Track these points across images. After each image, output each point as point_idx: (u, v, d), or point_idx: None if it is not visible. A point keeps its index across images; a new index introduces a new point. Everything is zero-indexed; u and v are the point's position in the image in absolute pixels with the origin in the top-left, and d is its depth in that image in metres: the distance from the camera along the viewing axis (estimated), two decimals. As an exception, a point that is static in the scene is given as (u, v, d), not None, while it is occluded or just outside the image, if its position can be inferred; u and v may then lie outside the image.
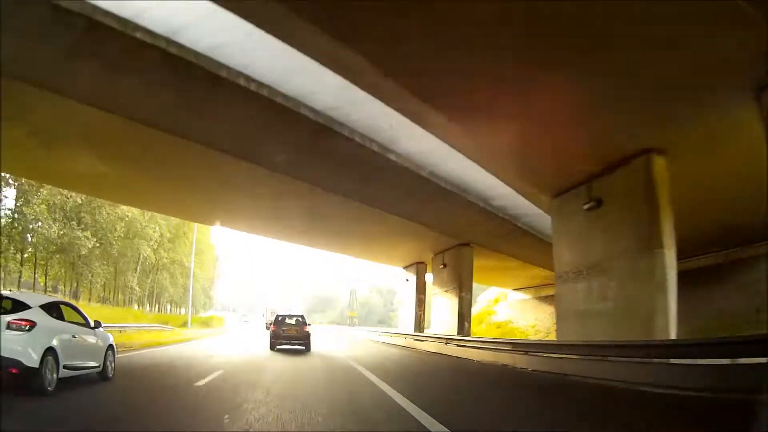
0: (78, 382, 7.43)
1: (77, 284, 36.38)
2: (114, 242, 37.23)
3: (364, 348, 23.35)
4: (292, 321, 18.81)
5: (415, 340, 24.51)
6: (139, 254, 39.56)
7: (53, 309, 7.08)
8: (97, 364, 7.85)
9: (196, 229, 51.18)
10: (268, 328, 24.67)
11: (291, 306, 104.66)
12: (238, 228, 27.69)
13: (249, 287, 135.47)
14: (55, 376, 6.51)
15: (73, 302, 10.21)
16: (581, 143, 11.93)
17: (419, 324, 30.58)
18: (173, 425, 4.97)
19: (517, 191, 18.08)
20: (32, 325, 6.25)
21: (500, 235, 23.33)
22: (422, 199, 17.91)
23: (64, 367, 6.76)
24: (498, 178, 16.80)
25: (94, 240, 35.74)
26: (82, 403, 6.26)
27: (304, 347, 18.16)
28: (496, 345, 15.43)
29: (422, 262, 31.22)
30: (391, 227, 22.74)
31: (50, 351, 6.40)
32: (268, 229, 26.86)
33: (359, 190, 17.29)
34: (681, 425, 5.62)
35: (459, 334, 23.41)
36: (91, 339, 7.82)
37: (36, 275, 33.69)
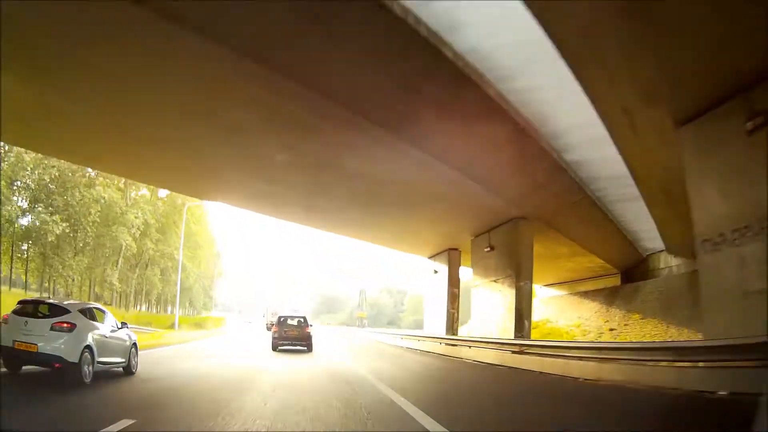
0: (108, 375, 8.53)
1: (50, 278, 31.02)
2: (88, 228, 31.82)
3: (393, 361, 17.64)
4: (294, 322, 18.84)
5: (451, 345, 18.86)
6: (121, 245, 34.04)
7: (88, 312, 8.21)
8: (123, 360, 9.00)
9: (188, 213, 46.00)
10: (269, 329, 25.08)
11: (297, 307, 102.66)
12: (239, 204, 22.11)
13: (251, 286, 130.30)
14: (91, 369, 7.56)
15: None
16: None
17: (452, 324, 24.85)
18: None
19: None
20: (72, 327, 7.37)
21: (566, 206, 17.58)
22: (488, 137, 12.22)
23: (98, 362, 7.83)
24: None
25: (65, 225, 30.37)
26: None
27: (306, 348, 18.21)
28: (619, 351, 9.78)
29: (455, 249, 25.51)
30: (424, 201, 17.16)
31: (87, 348, 7.51)
32: (275, 207, 21.26)
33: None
34: None
35: (517, 335, 17.67)
36: (119, 337, 8.93)
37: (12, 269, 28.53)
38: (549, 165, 14.42)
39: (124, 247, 34.61)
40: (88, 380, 7.44)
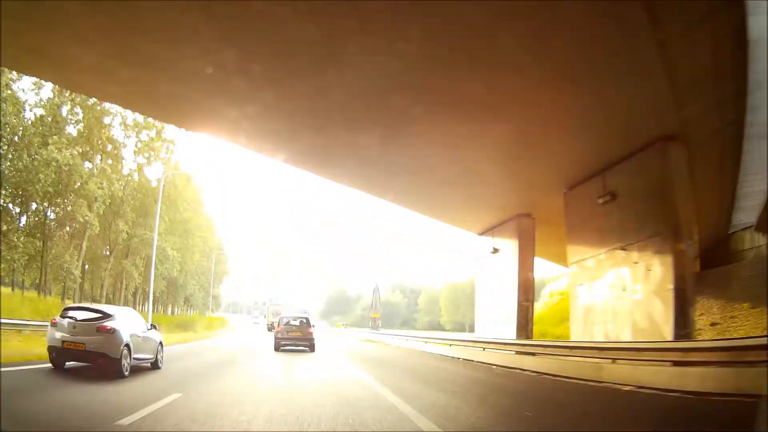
0: (140, 368, 9.71)
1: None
2: (36, 197, 24.71)
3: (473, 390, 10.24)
4: (297, 322, 18.70)
5: (525, 354, 11.46)
6: (83, 225, 26.78)
7: (126, 315, 9.54)
8: (152, 357, 10.19)
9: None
10: (270, 330, 25.67)
11: (305, 308, 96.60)
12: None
13: (258, 286, 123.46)
14: (129, 363, 8.78)
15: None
16: None
17: (527, 324, 17.38)
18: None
19: None
20: (114, 329, 8.54)
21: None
22: None
23: (133, 358, 9.04)
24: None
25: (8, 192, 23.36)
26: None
27: (308, 348, 18.07)
28: None
29: (528, 215, 18.07)
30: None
31: (126, 346, 8.71)
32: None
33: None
34: None
35: (679, 333, 10.21)
36: (149, 337, 10.12)
37: None
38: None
39: (88, 229, 27.34)
40: (126, 373, 8.62)
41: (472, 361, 14.68)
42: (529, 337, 17.44)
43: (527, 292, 17.67)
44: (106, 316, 8.70)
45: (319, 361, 14.27)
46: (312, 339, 18.12)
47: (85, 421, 4.99)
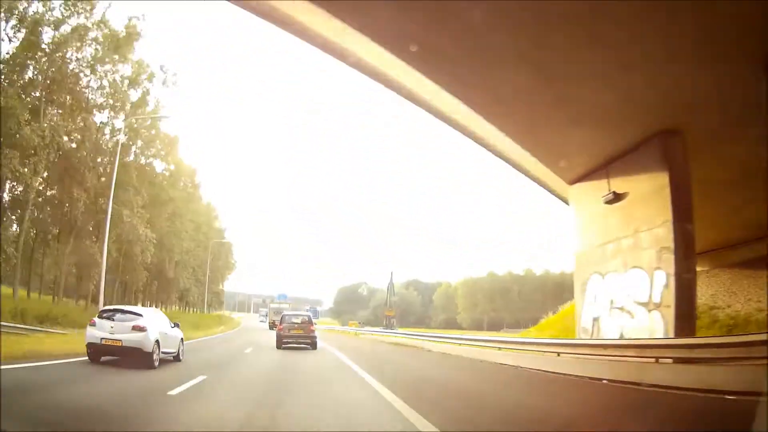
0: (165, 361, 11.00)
1: None
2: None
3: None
4: (298, 320, 18.95)
5: None
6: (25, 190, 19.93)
7: (154, 315, 11.24)
8: (175, 351, 11.73)
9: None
10: (272, 328, 27.33)
11: (317, 308, 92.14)
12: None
13: (265, 281, 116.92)
14: (158, 356, 10.27)
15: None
16: None
17: (689, 308, 10.27)
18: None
19: None
20: (145, 327, 9.96)
21: None
22: None
23: (162, 352, 10.53)
24: None
25: None
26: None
27: (309, 346, 18.29)
28: None
29: (677, 131, 10.86)
30: None
31: (156, 342, 10.19)
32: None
33: None
34: None
35: None
36: (173, 334, 11.68)
37: None
38: None
39: (29, 192, 20.49)
40: (156, 365, 10.09)
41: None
42: (692, 332, 10.34)
43: (688, 257, 10.51)
44: (138, 315, 10.41)
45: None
46: (314, 337, 18.55)
47: (143, 394, 6.96)
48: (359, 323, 69.14)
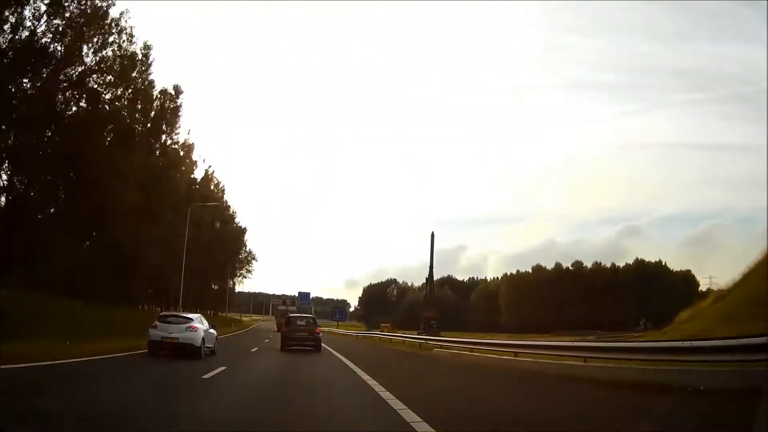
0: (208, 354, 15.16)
1: None
2: None
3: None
4: (303, 322, 19.91)
5: None
6: None
7: (199, 319, 15.27)
8: (213, 346, 15.80)
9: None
10: (279, 330, 27.54)
11: (343, 309, 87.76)
12: None
13: (282, 282, 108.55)
14: (203, 350, 14.23)
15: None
16: None
17: None
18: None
19: None
20: (196, 328, 14.16)
21: None
22: None
23: (205, 347, 14.48)
24: None
25: None
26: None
27: (313, 347, 18.86)
28: None
29: None
30: None
31: (202, 339, 14.19)
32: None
33: None
34: None
35: None
36: (211, 333, 15.88)
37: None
38: None
39: None
40: (202, 356, 13.95)
41: None
42: None
43: None
44: (189, 319, 14.50)
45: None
46: (318, 339, 19.37)
47: (186, 378, 9.90)
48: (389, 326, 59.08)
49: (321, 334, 20.24)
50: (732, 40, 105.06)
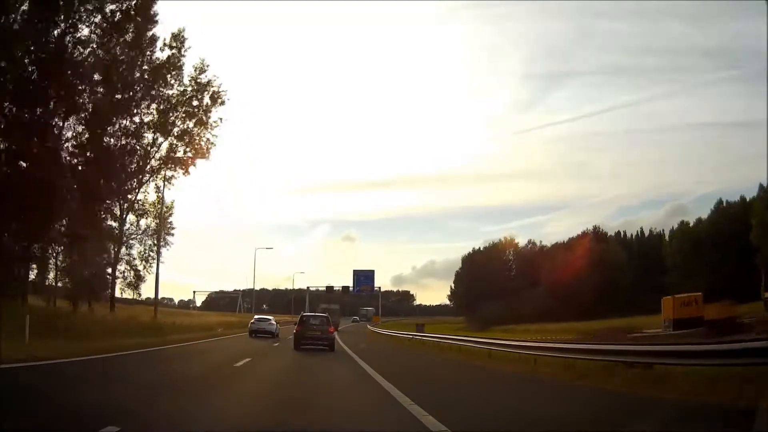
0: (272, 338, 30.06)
1: None
2: None
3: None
4: (317, 322, 20.48)
5: None
6: None
7: (272, 318, 36.58)
8: (276, 333, 32.12)
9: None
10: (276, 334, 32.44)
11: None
12: None
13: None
14: (277, 335, 31.30)
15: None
16: None
17: None
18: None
19: None
20: (275, 323, 33.85)
21: None
22: None
23: (276, 334, 31.65)
24: None
25: None
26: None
27: (327, 347, 19.44)
28: None
29: None
30: None
31: (277, 329, 32.93)
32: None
33: None
34: None
35: None
36: (277, 325, 33.65)
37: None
38: None
39: None
40: (277, 338, 29.33)
41: None
42: None
43: None
44: (270, 317, 35.99)
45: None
46: (332, 338, 20.11)
47: (220, 366, 13.13)
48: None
49: (335, 334, 21.68)
50: (763, 15, 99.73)
